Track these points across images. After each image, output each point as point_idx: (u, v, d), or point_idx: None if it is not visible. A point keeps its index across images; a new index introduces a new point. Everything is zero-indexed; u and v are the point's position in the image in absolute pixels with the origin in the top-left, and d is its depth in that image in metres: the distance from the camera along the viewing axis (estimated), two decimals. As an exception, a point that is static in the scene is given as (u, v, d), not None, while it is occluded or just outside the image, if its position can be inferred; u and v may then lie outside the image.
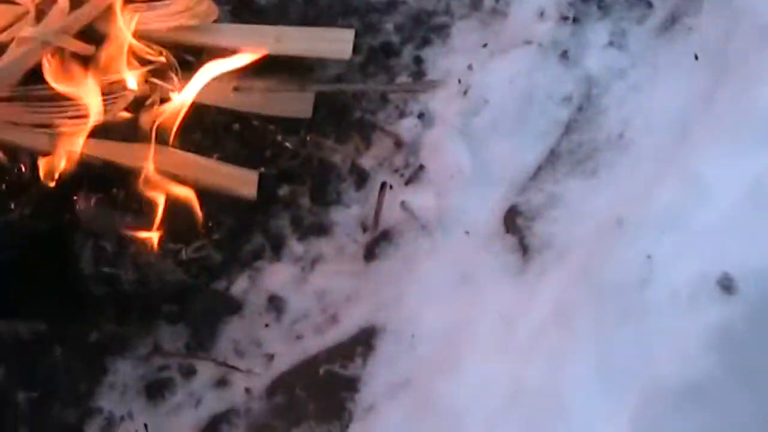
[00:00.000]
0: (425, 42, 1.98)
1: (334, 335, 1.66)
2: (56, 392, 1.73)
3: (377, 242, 1.73)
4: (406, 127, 1.84)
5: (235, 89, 1.81)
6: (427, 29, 2.01)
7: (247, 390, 1.65)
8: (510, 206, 1.68)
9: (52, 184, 1.73)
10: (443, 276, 1.64)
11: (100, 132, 1.76)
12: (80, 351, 1.76)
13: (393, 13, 2.03)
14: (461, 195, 1.73)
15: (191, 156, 1.77)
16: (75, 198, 1.78)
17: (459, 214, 1.71)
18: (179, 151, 1.78)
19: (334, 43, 1.89)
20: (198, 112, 1.86)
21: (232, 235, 1.80)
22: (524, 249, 1.63)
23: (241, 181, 1.78)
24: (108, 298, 1.78)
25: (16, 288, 1.75)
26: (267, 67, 1.90)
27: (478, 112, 1.80)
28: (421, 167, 1.78)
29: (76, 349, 1.76)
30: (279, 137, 1.88)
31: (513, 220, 1.66)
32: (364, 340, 1.63)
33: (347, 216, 1.80)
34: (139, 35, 1.80)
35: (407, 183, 1.78)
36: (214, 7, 1.87)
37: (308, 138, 1.89)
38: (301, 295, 1.74)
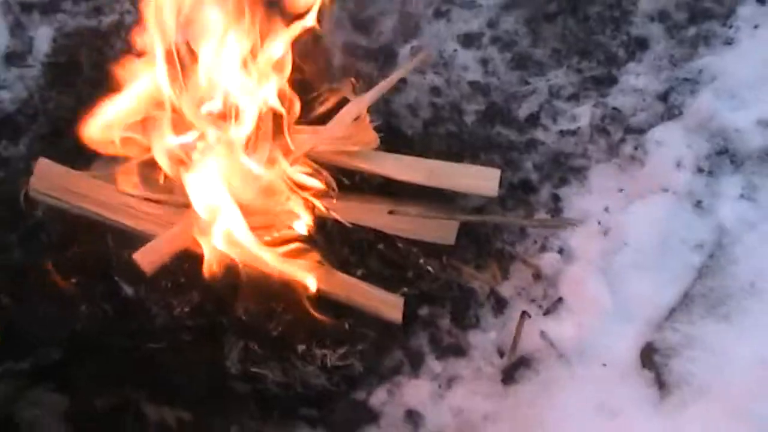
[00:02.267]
0: (562, 181, 2.08)
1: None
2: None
3: (516, 367, 1.83)
4: (547, 261, 1.95)
5: (391, 212, 1.92)
6: (565, 170, 2.09)
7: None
8: (647, 343, 1.76)
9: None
10: (582, 404, 1.74)
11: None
12: (221, 444, 1.83)
13: (532, 152, 2.14)
14: (599, 328, 1.83)
15: (346, 277, 1.89)
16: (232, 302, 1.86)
17: (596, 346, 1.81)
18: (336, 271, 1.90)
19: (481, 179, 2.04)
20: (345, 229, 1.96)
21: (373, 348, 1.90)
22: (661, 384, 1.70)
23: (388, 305, 1.90)
24: (251, 396, 1.86)
25: (168, 376, 1.85)
26: (415, 193, 2.01)
27: (617, 251, 1.90)
28: (560, 300, 1.88)
29: (217, 442, 1.83)
30: (421, 260, 1.97)
31: (650, 357, 1.76)
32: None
33: (485, 340, 1.90)
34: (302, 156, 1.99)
35: (546, 313, 1.89)
36: (376, 137, 2.02)
37: (449, 263, 1.96)
38: (438, 411, 1.83)
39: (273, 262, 1.90)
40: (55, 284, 1.98)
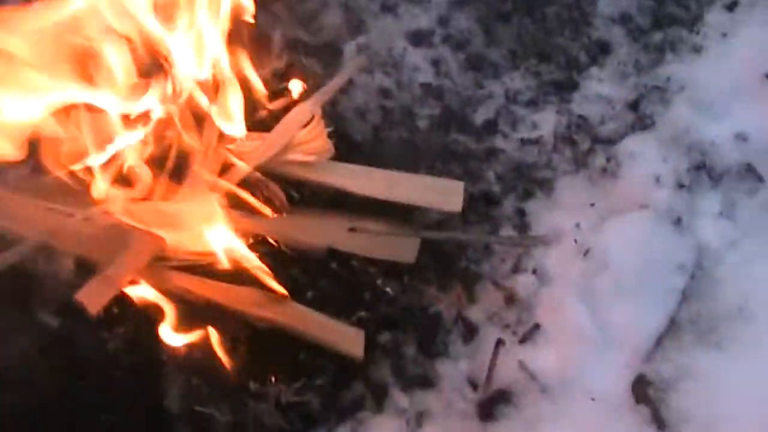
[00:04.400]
0: (528, 194, 1.91)
1: (452, 499, 1.53)
2: None
3: (493, 402, 1.65)
4: (520, 282, 1.75)
5: (351, 230, 1.70)
6: (529, 181, 1.91)
7: None
8: (638, 375, 1.61)
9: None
10: (571, 443, 1.54)
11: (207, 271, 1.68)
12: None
13: (492, 162, 1.96)
14: (583, 359, 1.67)
15: (301, 308, 1.69)
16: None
17: (582, 378, 1.65)
18: (290, 301, 1.71)
19: (445, 194, 1.87)
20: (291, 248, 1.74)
21: (332, 381, 1.68)
22: (659, 422, 1.54)
23: (348, 339, 1.70)
24: (196, 440, 1.62)
25: (101, 419, 1.59)
26: (368, 207, 1.80)
27: (596, 273, 1.73)
28: (537, 326, 1.70)
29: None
30: (379, 281, 1.76)
31: (643, 390, 1.60)
32: None
33: (454, 370, 1.72)
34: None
35: (522, 341, 1.71)
36: (330, 145, 1.79)
37: (409, 284, 1.76)
38: None
39: (218, 292, 1.65)
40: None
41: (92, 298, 1.61)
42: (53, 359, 1.68)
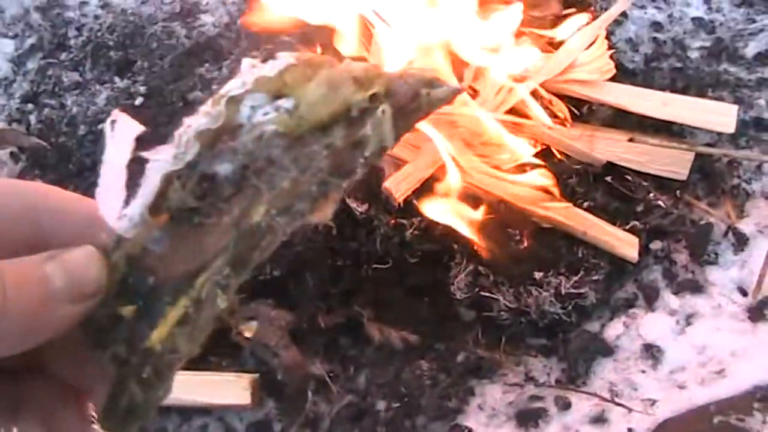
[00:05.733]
0: (801, 124, 1.94)
1: (722, 389, 1.60)
2: (420, 405, 1.71)
3: (764, 304, 1.68)
4: (795, 200, 1.80)
5: (630, 140, 1.81)
6: (804, 108, 1.96)
7: (630, 430, 1.59)
8: None
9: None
10: None
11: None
12: (447, 369, 1.75)
13: (764, 90, 2.01)
14: None
15: (581, 212, 1.81)
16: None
17: None
18: (574, 208, 1.83)
19: (718, 115, 1.91)
20: (570, 159, 1.86)
21: (607, 279, 1.79)
22: None
23: (624, 243, 1.80)
24: (478, 322, 1.77)
25: (392, 299, 1.77)
26: (640, 127, 1.91)
27: None
28: (810, 237, 1.73)
29: (443, 367, 1.75)
30: (651, 194, 1.85)
31: None
32: (762, 397, 1.56)
33: (725, 277, 1.80)
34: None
35: (795, 251, 1.73)
36: (611, 65, 1.90)
37: (681, 198, 1.84)
38: (678, 346, 1.70)
39: (508, 190, 1.80)
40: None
41: (399, 186, 1.79)
42: (354, 242, 1.86)
